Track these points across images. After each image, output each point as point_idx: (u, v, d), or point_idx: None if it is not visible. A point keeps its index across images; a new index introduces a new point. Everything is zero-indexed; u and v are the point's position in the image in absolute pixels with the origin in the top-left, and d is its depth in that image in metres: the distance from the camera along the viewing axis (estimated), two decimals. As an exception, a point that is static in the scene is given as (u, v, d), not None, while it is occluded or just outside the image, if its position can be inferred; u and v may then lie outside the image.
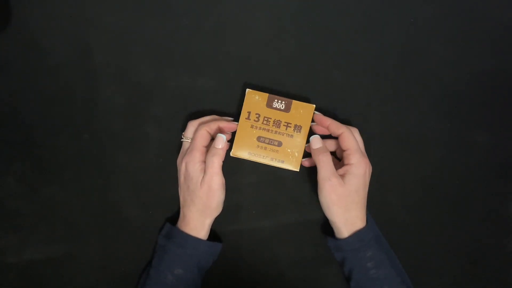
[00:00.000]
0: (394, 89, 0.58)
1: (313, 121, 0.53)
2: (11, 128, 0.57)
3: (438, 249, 0.57)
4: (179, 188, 0.53)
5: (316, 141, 0.51)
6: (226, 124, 0.52)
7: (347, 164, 0.50)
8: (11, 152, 0.57)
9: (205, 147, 0.51)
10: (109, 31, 0.58)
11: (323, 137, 0.52)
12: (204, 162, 0.50)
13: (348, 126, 0.51)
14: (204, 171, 0.50)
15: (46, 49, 0.57)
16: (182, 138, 0.53)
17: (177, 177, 0.53)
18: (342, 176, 0.49)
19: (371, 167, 0.51)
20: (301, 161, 0.53)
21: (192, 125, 0.52)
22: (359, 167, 0.49)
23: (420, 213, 0.57)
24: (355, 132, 0.52)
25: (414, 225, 0.57)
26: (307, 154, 0.54)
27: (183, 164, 0.51)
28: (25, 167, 0.56)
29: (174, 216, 0.55)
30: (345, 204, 0.49)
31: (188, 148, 0.51)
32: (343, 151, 0.51)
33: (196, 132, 0.51)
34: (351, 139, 0.50)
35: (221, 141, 0.50)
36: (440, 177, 0.57)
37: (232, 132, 0.53)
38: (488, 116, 0.58)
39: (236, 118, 0.53)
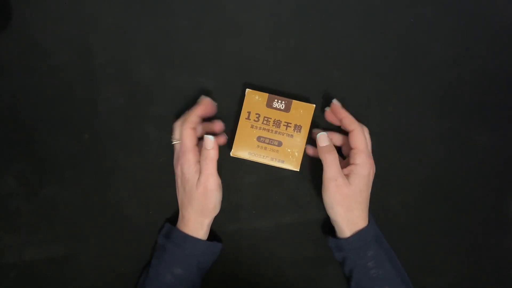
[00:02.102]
0: (394, 89, 0.58)
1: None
2: (11, 128, 0.57)
3: (438, 249, 0.57)
4: (176, 190, 0.53)
5: (323, 138, 0.50)
6: (203, 109, 0.50)
7: (352, 164, 0.50)
8: (11, 152, 0.57)
9: (196, 145, 0.50)
10: (109, 31, 0.58)
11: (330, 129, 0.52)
12: (199, 162, 0.50)
13: (360, 124, 0.51)
14: (200, 172, 0.49)
15: (46, 49, 0.57)
16: (173, 141, 0.52)
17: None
18: (347, 176, 0.49)
19: (375, 168, 0.51)
20: (305, 147, 0.52)
21: (177, 126, 0.51)
22: (364, 168, 0.49)
23: (420, 213, 0.57)
24: (366, 131, 0.52)
25: (414, 225, 0.57)
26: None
27: (179, 167, 0.50)
28: (25, 167, 0.56)
29: (174, 216, 0.55)
30: (348, 204, 0.49)
31: (180, 150, 0.51)
32: (350, 148, 0.51)
33: (182, 134, 0.50)
34: (361, 138, 0.50)
35: (209, 141, 0.49)
36: (440, 177, 0.57)
37: (232, 133, 0.53)
38: (488, 116, 0.58)
39: (236, 118, 0.53)
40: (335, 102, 0.52)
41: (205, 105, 0.51)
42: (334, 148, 0.50)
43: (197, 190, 0.49)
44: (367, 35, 0.59)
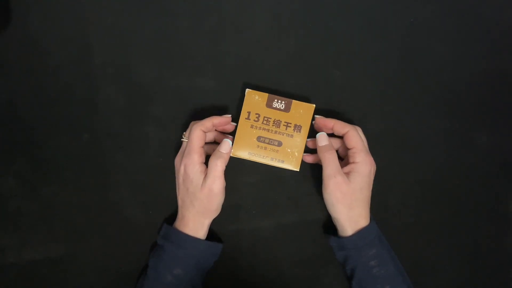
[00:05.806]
0: (394, 89, 0.58)
1: (313, 120, 0.53)
2: (11, 128, 0.57)
3: (438, 249, 0.57)
4: (177, 189, 0.53)
5: (322, 138, 0.51)
6: (220, 119, 0.51)
7: (352, 163, 0.50)
8: (11, 152, 0.57)
9: (202, 147, 0.51)
10: (109, 31, 0.58)
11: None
12: (203, 163, 0.50)
13: (352, 125, 0.51)
14: (206, 173, 0.49)
15: (46, 49, 0.57)
16: (183, 138, 0.53)
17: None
18: (347, 174, 0.49)
19: (375, 166, 0.51)
20: (303, 156, 0.53)
21: (191, 126, 0.52)
22: (364, 166, 0.49)
23: (420, 213, 0.57)
24: (359, 130, 0.52)
25: (414, 225, 0.57)
26: (307, 151, 0.54)
27: (182, 166, 0.50)
28: (25, 167, 0.56)
29: (173, 216, 0.55)
30: (349, 202, 0.49)
31: (186, 149, 0.51)
32: (347, 149, 0.51)
33: (191, 133, 0.50)
34: (357, 138, 0.50)
35: (227, 145, 0.50)
36: (440, 177, 0.57)
37: (232, 133, 0.53)
38: (488, 116, 0.58)
39: (236, 118, 0.53)
40: (318, 116, 0.53)
41: (225, 118, 0.51)
42: (333, 147, 0.51)
43: (201, 191, 0.49)
44: (367, 35, 0.59)
